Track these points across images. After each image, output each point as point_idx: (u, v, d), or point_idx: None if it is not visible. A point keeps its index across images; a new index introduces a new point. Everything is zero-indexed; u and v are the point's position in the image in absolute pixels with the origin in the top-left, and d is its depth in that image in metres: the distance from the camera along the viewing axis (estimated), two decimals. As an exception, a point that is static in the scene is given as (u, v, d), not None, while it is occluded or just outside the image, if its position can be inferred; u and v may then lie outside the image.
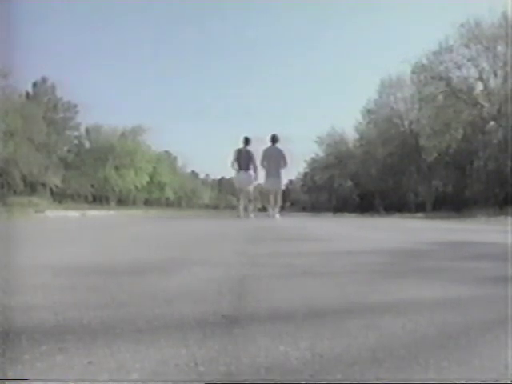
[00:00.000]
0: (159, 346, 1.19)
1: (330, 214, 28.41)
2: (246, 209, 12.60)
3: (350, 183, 41.21)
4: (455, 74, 27.32)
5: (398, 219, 16.71)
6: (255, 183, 12.51)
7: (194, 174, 70.18)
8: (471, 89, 27.21)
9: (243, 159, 12.15)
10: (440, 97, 28.43)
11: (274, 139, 12.13)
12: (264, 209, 17.31)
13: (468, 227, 9.49)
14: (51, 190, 35.58)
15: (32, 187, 32.85)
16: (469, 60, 26.61)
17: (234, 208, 15.23)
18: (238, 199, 12.68)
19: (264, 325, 1.42)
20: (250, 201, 12.84)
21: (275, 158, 12.02)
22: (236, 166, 12.25)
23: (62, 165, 38.47)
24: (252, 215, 12.68)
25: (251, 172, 12.27)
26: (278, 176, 12.15)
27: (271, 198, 12.57)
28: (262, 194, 14.09)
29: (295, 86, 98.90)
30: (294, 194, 65.06)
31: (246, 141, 12.17)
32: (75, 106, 41.66)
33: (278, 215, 12.43)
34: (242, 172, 12.23)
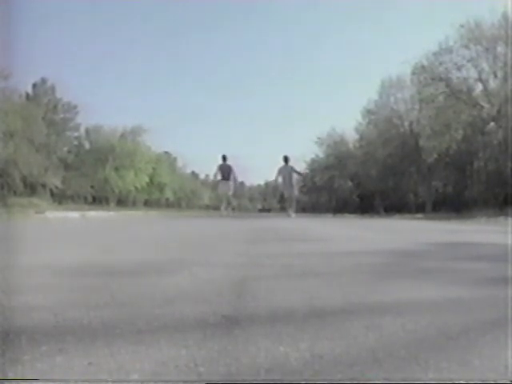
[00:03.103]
0: (159, 346, 1.19)
1: (330, 215, 28.42)
2: (226, 208, 16.15)
3: (350, 184, 41.15)
4: (455, 75, 27.31)
5: (397, 220, 16.71)
6: (233, 189, 15.91)
7: (194, 175, 70.11)
8: (471, 90, 27.18)
9: (225, 172, 15.35)
10: (440, 98, 28.39)
11: (286, 160, 15.26)
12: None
13: (468, 228, 9.49)
14: (51, 190, 35.54)
15: (32, 188, 32.83)
16: (469, 61, 26.59)
17: (233, 209, 19.04)
18: (221, 202, 16.35)
19: (264, 325, 1.42)
20: (229, 203, 16.50)
21: (288, 174, 15.20)
22: (219, 176, 15.50)
23: (61, 166, 38.42)
24: (225, 213, 15.85)
25: (231, 182, 15.44)
26: (291, 186, 15.34)
27: (288, 203, 16.07)
28: (282, 199, 17.64)
29: (295, 86, 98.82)
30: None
31: (224, 158, 15.51)
32: (75, 106, 41.63)
33: (293, 214, 15.41)
34: (224, 181, 15.41)
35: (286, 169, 15.24)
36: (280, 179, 15.30)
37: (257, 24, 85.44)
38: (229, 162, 15.69)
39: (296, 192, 16.26)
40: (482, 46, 25.95)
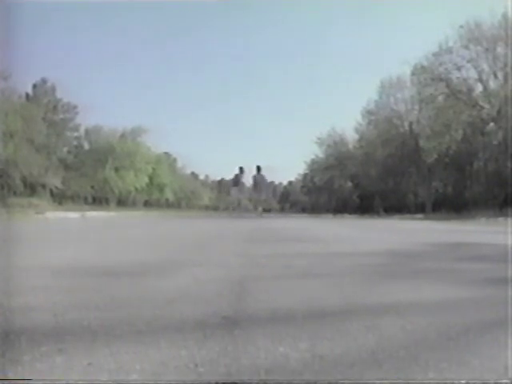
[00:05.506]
0: (159, 347, 1.19)
1: (330, 216, 28.39)
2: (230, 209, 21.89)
3: (349, 184, 41.08)
4: (455, 76, 27.32)
5: (397, 220, 16.70)
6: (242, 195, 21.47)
7: (194, 175, 69.97)
8: (471, 90, 27.19)
9: (236, 179, 22.38)
10: (440, 98, 28.40)
11: (259, 169, 22.74)
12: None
13: (468, 228, 9.49)
14: (51, 191, 35.46)
15: (32, 188, 32.75)
16: (468, 61, 26.60)
17: (233, 209, 22.73)
18: (236, 205, 22.64)
19: (264, 326, 1.42)
20: (238, 205, 23.26)
21: (260, 181, 21.27)
22: (232, 183, 22.57)
23: (61, 166, 38.35)
24: (235, 213, 21.15)
25: (240, 187, 21.79)
26: (261, 191, 21.84)
27: (258, 204, 21.53)
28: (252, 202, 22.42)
29: (295, 86, 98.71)
30: (293, 196, 64.98)
31: (241, 169, 23.43)
32: (75, 107, 41.53)
33: (262, 214, 21.13)
34: (234, 187, 24.49)
35: (259, 177, 19.99)
36: (251, 184, 19.81)
37: (257, 25, 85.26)
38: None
39: (264, 195, 21.14)
40: (481, 47, 25.95)
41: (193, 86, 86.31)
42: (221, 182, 70.64)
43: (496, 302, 1.82)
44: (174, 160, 59.14)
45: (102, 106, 66.79)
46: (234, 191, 18.36)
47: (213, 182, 77.49)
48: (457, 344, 1.25)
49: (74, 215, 15.91)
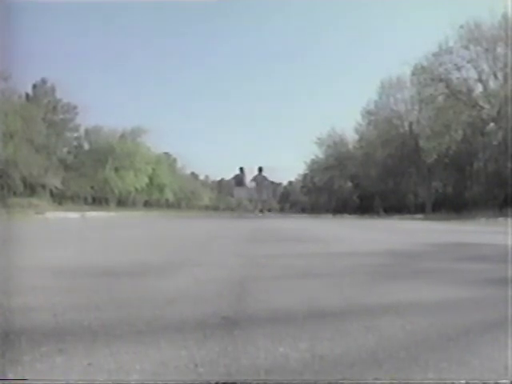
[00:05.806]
0: (159, 347, 1.20)
1: (330, 216, 28.39)
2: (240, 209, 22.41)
3: (349, 184, 41.09)
4: (455, 76, 27.32)
5: (397, 220, 16.69)
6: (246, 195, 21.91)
7: (194, 176, 69.96)
8: (471, 90, 27.19)
9: (239, 180, 20.49)
10: (440, 98, 28.41)
11: (260, 170, 20.30)
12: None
13: (468, 228, 9.49)
14: (51, 191, 35.45)
15: (32, 189, 32.74)
16: (468, 61, 26.61)
17: (233, 209, 23.27)
18: (236, 205, 23.31)
19: (264, 326, 1.42)
20: (239, 205, 23.26)
21: (261, 181, 19.89)
22: (234, 183, 20.95)
23: (61, 166, 38.35)
24: (238, 214, 21.87)
25: (244, 188, 20.60)
26: (262, 191, 20.15)
27: (258, 204, 21.34)
28: (252, 201, 23.17)
29: (295, 86, 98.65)
30: (293, 196, 64.91)
31: (241, 170, 20.75)
32: (75, 107, 41.55)
33: (261, 214, 20.35)
34: (237, 187, 20.96)
35: (260, 177, 19.74)
36: (253, 184, 19.83)
37: (257, 23, 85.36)
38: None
39: (265, 196, 21.03)
40: (481, 47, 25.97)
41: (193, 86, 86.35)
42: (221, 182, 70.59)
43: (496, 302, 1.82)
44: (174, 160, 59.13)
45: (102, 107, 66.69)
46: (236, 191, 18.09)
47: (213, 182, 77.59)
48: (457, 344, 1.25)
49: (73, 215, 15.91)
